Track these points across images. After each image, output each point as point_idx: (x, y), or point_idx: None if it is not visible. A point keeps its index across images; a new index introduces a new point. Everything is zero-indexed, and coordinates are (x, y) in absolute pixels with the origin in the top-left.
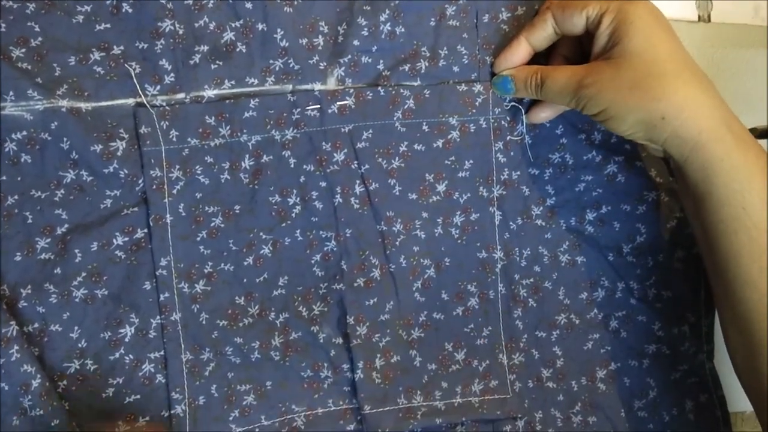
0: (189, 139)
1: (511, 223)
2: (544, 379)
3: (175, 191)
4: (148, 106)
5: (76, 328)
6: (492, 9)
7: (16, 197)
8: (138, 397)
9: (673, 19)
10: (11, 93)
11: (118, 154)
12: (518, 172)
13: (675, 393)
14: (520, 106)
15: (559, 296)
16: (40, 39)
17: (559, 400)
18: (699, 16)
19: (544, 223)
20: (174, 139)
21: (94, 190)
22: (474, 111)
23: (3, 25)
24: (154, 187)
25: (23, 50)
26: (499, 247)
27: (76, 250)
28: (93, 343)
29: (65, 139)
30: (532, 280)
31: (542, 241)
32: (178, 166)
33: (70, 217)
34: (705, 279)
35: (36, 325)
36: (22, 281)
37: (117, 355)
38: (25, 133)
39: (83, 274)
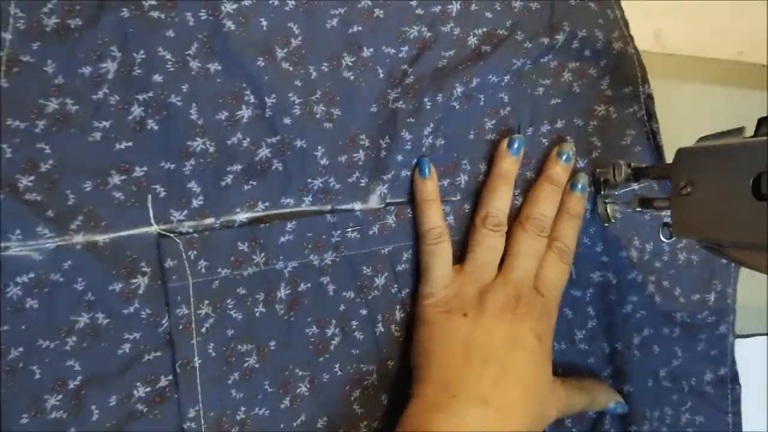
0: (219, 270)
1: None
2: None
3: (204, 330)
4: (173, 235)
5: None
6: (534, 122)
7: (20, 349)
8: None
9: None
10: (18, 232)
11: (140, 292)
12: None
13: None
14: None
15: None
16: (51, 162)
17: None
18: None
19: (587, 347)
20: (203, 270)
21: (110, 334)
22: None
23: (8, 150)
24: (181, 327)
25: (32, 178)
26: None
27: (93, 406)
28: None
29: (80, 279)
30: None
31: (586, 367)
32: (207, 301)
33: (84, 367)
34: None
35: None
36: None
37: None
38: (32, 275)
39: None
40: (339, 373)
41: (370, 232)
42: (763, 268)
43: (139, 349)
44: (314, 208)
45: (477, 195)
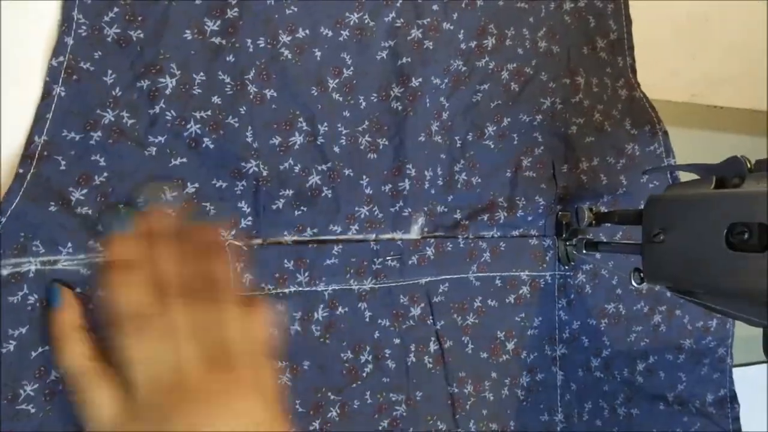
0: (263, 285)
1: (572, 384)
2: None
3: None
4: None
5: None
6: (570, 158)
7: (60, 372)
8: None
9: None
10: (69, 245)
11: None
12: (578, 322)
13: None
14: (585, 256)
15: None
16: (105, 175)
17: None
18: None
19: (602, 375)
20: (247, 284)
21: None
22: (544, 266)
23: (63, 162)
24: None
25: (84, 191)
26: (560, 409)
27: None
28: None
29: None
30: None
31: (601, 394)
32: None
33: None
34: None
35: None
36: None
37: None
38: (78, 290)
39: None
40: (369, 401)
41: (410, 262)
42: (733, 315)
43: None
44: (360, 236)
45: (514, 230)
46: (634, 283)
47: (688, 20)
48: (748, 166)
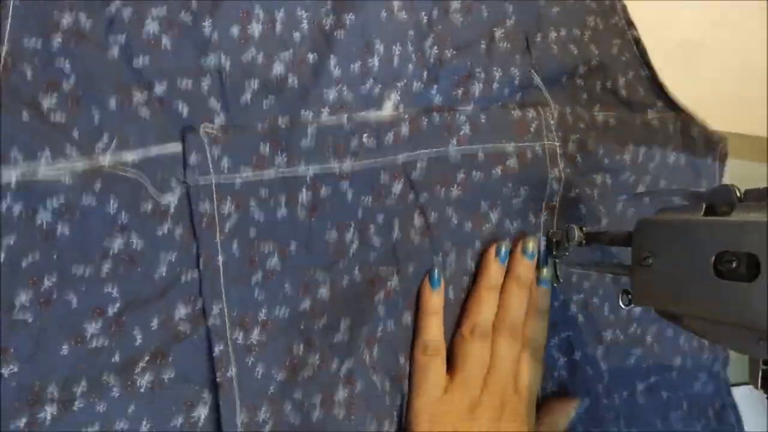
0: (242, 170)
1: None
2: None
3: (227, 229)
4: (200, 130)
5: (144, 421)
6: (543, 28)
7: (54, 279)
8: None
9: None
10: (47, 152)
11: (170, 211)
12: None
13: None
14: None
15: None
16: (73, 80)
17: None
18: None
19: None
20: (225, 169)
21: (146, 257)
22: (530, 137)
23: (29, 71)
24: (204, 224)
25: (54, 97)
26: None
27: (134, 331)
28: None
29: (111, 201)
30: None
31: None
32: (230, 200)
33: (122, 292)
34: None
35: (96, 427)
36: (74, 377)
37: None
38: (62, 199)
39: (146, 358)
40: (359, 278)
41: (386, 140)
42: (720, 341)
43: (175, 270)
44: (333, 119)
45: (490, 105)
46: (621, 305)
47: (682, 46)
48: (738, 194)
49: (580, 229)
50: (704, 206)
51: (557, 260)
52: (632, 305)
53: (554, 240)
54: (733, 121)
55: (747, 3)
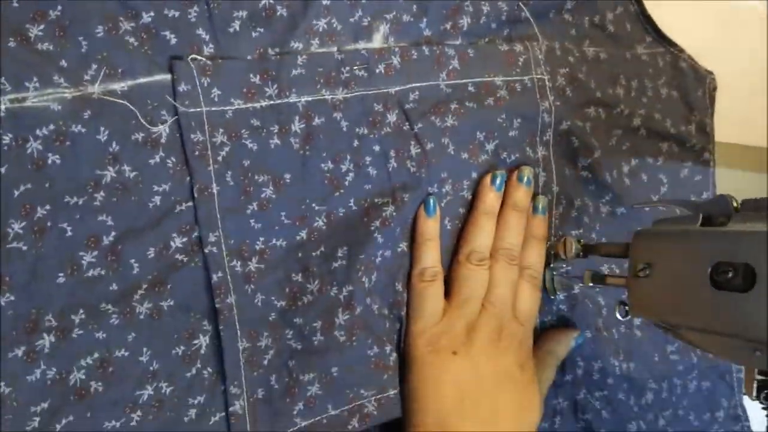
0: (232, 100)
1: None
2: None
3: (220, 158)
4: (188, 59)
5: (144, 349)
6: None
7: (47, 208)
8: (224, 414)
9: None
10: (35, 80)
11: (162, 141)
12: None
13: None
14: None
15: None
16: (59, 8)
17: None
18: None
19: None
20: (216, 98)
21: (139, 187)
22: (518, 70)
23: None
24: (197, 153)
25: (42, 26)
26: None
27: (131, 260)
28: (165, 363)
29: (102, 129)
30: None
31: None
32: (222, 130)
33: (117, 222)
34: None
35: (96, 355)
36: (71, 306)
37: (194, 370)
38: (52, 127)
39: (144, 286)
40: (354, 207)
41: (377, 71)
42: (716, 352)
43: (170, 200)
44: (323, 50)
45: (478, 39)
46: (618, 316)
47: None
48: (735, 205)
49: (578, 241)
50: (701, 216)
51: (555, 273)
52: (629, 317)
53: (552, 252)
54: (732, 132)
55: (747, 13)
